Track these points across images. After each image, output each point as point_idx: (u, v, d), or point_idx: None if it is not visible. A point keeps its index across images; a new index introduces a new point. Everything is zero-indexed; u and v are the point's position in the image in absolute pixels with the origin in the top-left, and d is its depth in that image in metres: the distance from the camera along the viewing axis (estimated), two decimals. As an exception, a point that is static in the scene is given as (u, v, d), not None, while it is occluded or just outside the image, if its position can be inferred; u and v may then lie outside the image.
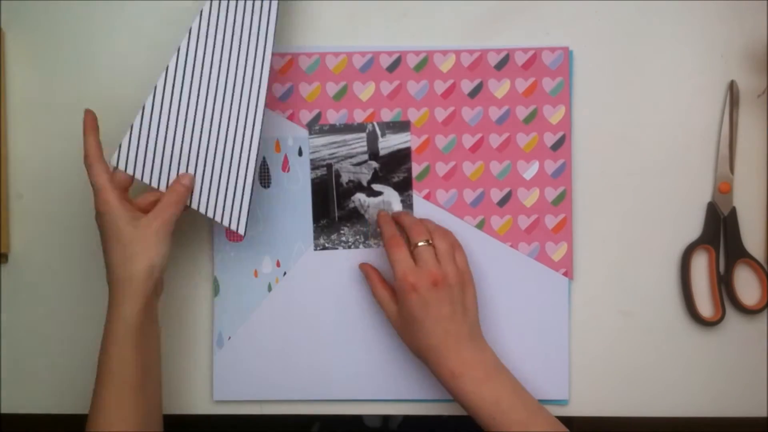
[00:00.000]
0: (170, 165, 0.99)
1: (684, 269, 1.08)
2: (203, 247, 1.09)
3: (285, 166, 1.09)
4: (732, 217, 1.08)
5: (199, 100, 0.98)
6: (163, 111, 0.98)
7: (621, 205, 1.09)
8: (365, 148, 1.09)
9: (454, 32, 1.09)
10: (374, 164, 1.08)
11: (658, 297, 1.09)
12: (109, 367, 0.92)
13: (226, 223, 1.00)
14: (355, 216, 1.09)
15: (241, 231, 1.00)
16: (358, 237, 1.09)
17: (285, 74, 1.08)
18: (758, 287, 1.09)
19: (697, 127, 1.09)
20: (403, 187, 1.08)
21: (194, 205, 1.00)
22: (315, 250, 1.09)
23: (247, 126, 0.99)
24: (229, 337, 1.09)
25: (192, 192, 0.99)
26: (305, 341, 1.08)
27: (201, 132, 0.99)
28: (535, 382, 1.07)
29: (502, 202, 1.08)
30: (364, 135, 1.08)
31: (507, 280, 1.08)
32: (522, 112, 1.07)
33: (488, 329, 1.06)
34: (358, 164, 1.09)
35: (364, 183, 1.09)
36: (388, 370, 1.08)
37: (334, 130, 1.08)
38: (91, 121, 0.97)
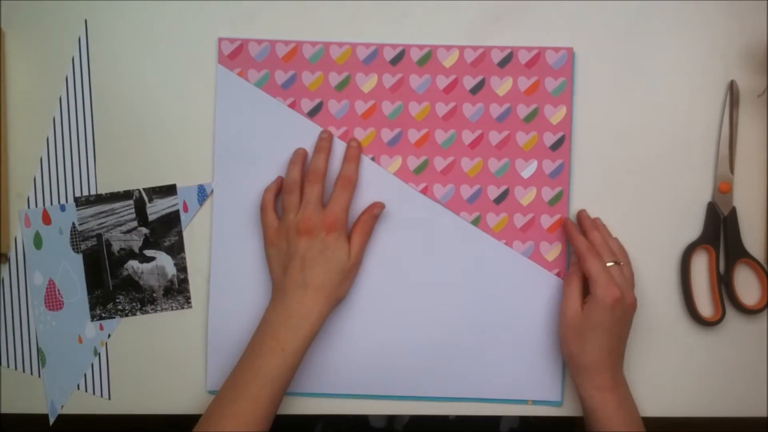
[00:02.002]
0: None
1: (684, 269, 1.08)
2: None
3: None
4: (732, 217, 1.08)
5: None
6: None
7: (621, 205, 1.08)
8: (134, 215, 1.08)
9: (453, 33, 1.09)
10: (144, 230, 1.08)
11: (658, 297, 1.08)
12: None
13: None
14: (129, 283, 1.09)
15: None
16: (134, 304, 1.09)
17: (288, 62, 1.08)
18: (758, 287, 1.09)
19: (697, 127, 1.09)
20: (176, 251, 1.09)
21: None
22: (92, 321, 1.09)
23: None
24: (62, 406, 1.09)
25: None
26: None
27: None
28: (527, 382, 1.07)
29: (499, 199, 1.08)
30: (131, 202, 1.08)
31: (500, 278, 1.08)
32: (523, 110, 1.08)
33: (482, 328, 1.07)
34: (128, 231, 1.08)
35: (136, 250, 1.08)
36: (394, 366, 1.08)
37: (100, 200, 1.08)
38: None
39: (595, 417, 0.99)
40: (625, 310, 0.99)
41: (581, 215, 1.07)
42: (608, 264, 1.00)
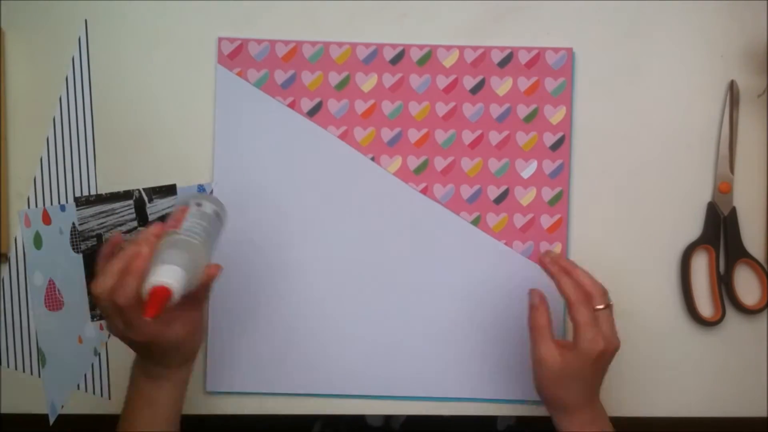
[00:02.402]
0: None
1: (684, 269, 1.08)
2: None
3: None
4: (732, 217, 1.08)
5: None
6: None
7: (621, 205, 1.09)
8: (134, 215, 1.08)
9: (453, 33, 1.09)
10: None
11: (658, 297, 1.08)
12: None
13: None
14: None
15: None
16: None
17: (288, 62, 1.08)
18: (758, 287, 1.09)
19: (697, 127, 1.09)
20: None
21: None
22: (92, 321, 1.09)
23: None
24: (62, 406, 1.09)
25: None
26: (305, 333, 1.08)
27: None
28: (527, 382, 1.07)
29: (499, 199, 1.08)
30: (131, 202, 1.08)
31: (500, 278, 1.08)
32: (523, 110, 1.08)
33: (481, 328, 1.07)
34: (128, 231, 1.08)
35: None
36: (393, 366, 1.08)
37: (100, 200, 1.08)
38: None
39: None
40: (607, 359, 0.93)
41: (554, 256, 0.99)
42: (598, 307, 0.93)
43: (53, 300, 1.08)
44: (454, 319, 1.07)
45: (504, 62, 1.08)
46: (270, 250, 1.07)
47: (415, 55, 1.08)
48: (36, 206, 1.08)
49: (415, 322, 1.07)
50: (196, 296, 0.89)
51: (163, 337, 0.88)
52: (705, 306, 1.08)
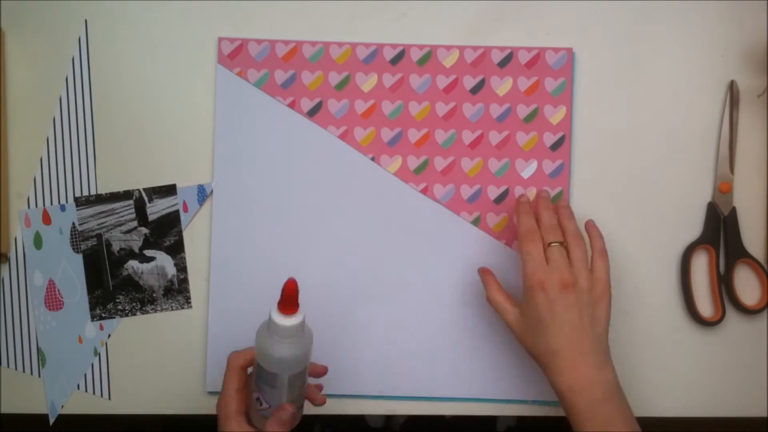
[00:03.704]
0: None
1: (684, 269, 1.08)
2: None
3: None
4: (732, 217, 1.08)
5: None
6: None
7: (621, 205, 1.08)
8: (134, 215, 1.08)
9: (453, 33, 1.09)
10: (144, 230, 1.08)
11: (658, 297, 1.08)
12: None
13: None
14: (129, 283, 1.08)
15: None
16: (134, 304, 1.09)
17: (288, 61, 1.08)
18: (758, 287, 1.09)
19: (697, 127, 1.09)
20: (176, 251, 1.08)
21: None
22: (92, 321, 1.09)
23: None
24: (62, 406, 1.09)
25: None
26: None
27: None
28: (527, 383, 1.07)
29: (499, 199, 1.08)
30: (131, 202, 1.08)
31: (500, 278, 1.06)
32: (523, 110, 1.08)
33: (481, 328, 1.07)
34: (128, 231, 1.08)
35: (136, 249, 1.08)
36: (393, 366, 1.08)
37: (100, 200, 1.08)
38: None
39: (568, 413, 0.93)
40: (568, 294, 0.92)
41: (537, 194, 1.04)
42: (552, 244, 0.95)
43: (53, 300, 1.08)
44: (454, 318, 1.07)
45: (504, 62, 1.08)
46: (269, 250, 1.07)
47: (415, 55, 1.08)
48: (36, 206, 1.08)
49: (414, 321, 1.07)
50: None
51: None
52: (705, 306, 1.08)
